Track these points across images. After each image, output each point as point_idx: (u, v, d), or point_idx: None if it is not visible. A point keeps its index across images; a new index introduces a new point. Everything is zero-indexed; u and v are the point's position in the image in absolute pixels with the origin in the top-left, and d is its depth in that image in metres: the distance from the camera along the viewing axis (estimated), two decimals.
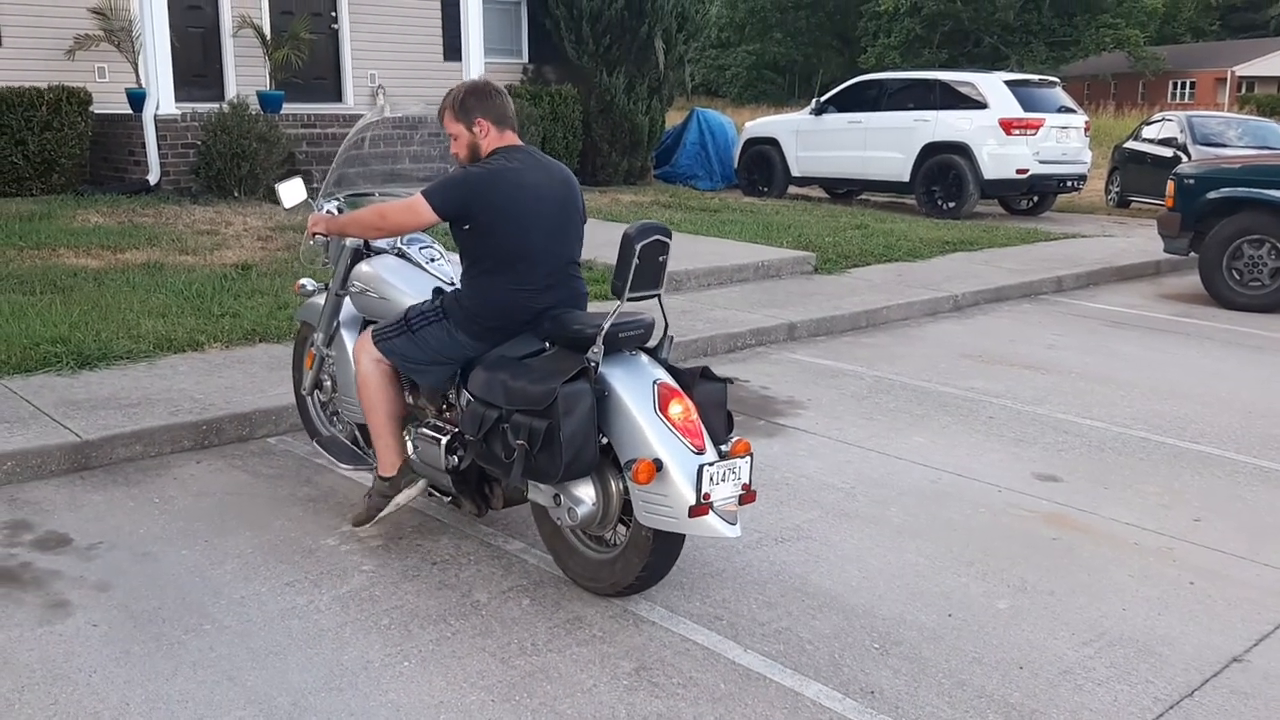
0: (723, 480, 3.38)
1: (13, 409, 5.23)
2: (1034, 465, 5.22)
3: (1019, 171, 14.20)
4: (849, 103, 15.92)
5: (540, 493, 3.72)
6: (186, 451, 5.17)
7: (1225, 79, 56.94)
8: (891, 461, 5.21)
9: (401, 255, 4.46)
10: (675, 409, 3.45)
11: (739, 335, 7.35)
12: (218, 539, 4.22)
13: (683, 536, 3.62)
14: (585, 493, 3.63)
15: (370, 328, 4.10)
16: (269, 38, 13.54)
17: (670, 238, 3.61)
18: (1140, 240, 12.51)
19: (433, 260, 4.43)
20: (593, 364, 3.52)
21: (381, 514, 4.16)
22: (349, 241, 4.50)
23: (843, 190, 16.99)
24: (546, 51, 16.53)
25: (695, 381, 3.65)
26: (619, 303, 3.55)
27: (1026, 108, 14.28)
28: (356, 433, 4.56)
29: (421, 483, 4.11)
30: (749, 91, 61.36)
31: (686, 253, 8.60)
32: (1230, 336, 8.13)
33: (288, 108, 13.10)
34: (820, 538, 4.33)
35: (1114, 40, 51.96)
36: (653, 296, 3.64)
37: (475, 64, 14.11)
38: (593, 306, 4.04)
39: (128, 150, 11.98)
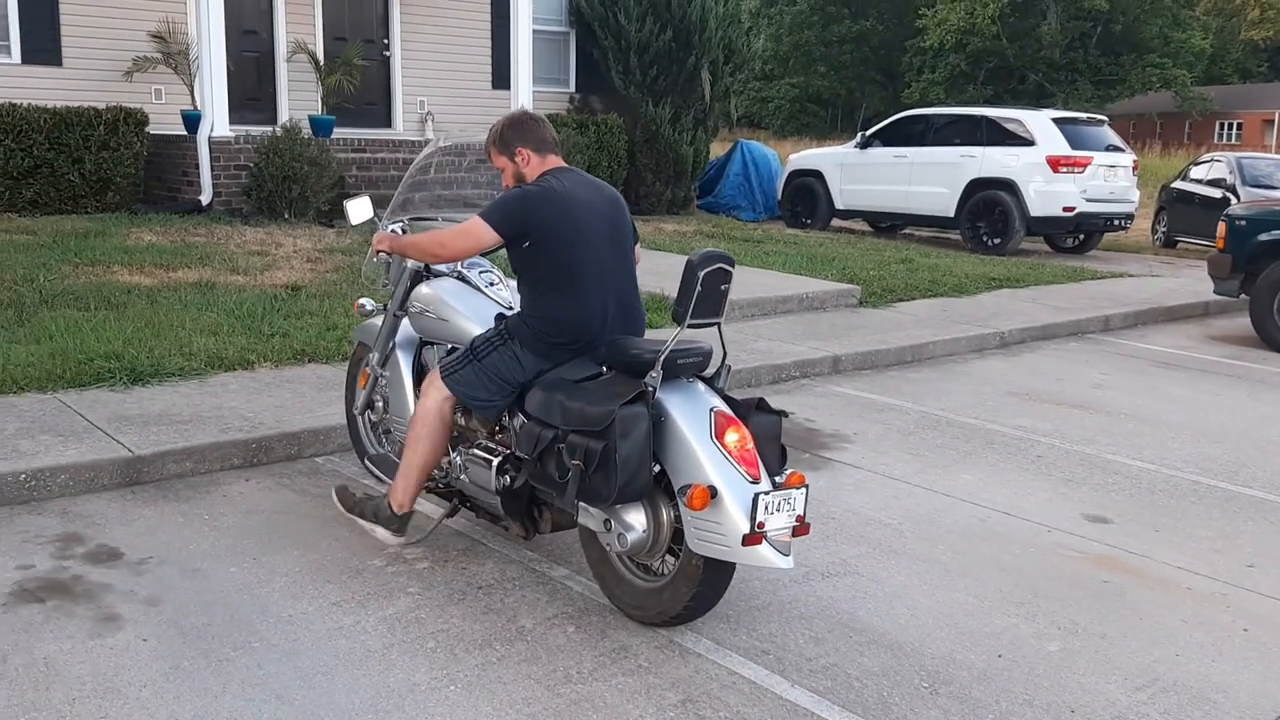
0: (777, 510, 3.37)
1: (67, 423, 5.30)
2: (1083, 506, 5.16)
3: (1065, 209, 14.12)
4: (894, 137, 15.92)
5: (590, 517, 3.72)
6: (236, 469, 5.21)
7: (1273, 120, 56.40)
8: (939, 498, 5.17)
9: (461, 278, 4.51)
10: (731, 437, 3.45)
11: (783, 367, 7.34)
12: (266, 557, 4.25)
13: (733, 567, 3.61)
14: (636, 518, 3.63)
15: (439, 364, 4.11)
16: (322, 63, 13.72)
17: (733, 266, 3.63)
18: (1188, 280, 12.38)
19: (491, 285, 4.47)
20: (650, 388, 3.53)
21: (355, 520, 4.35)
22: (409, 263, 4.57)
23: (886, 224, 16.97)
24: (593, 81, 16.65)
25: (751, 412, 3.65)
26: (679, 329, 3.57)
27: (1074, 145, 14.21)
28: None
29: (402, 539, 4.25)
30: (791, 124, 61.48)
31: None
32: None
33: (338, 132, 13.28)
34: (868, 573, 4.30)
35: (1161, 80, 51.70)
36: (713, 324, 3.66)
37: (524, 92, 14.24)
38: (649, 333, 4.06)
39: (181, 171, 12.17)
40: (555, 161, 3.99)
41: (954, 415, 6.63)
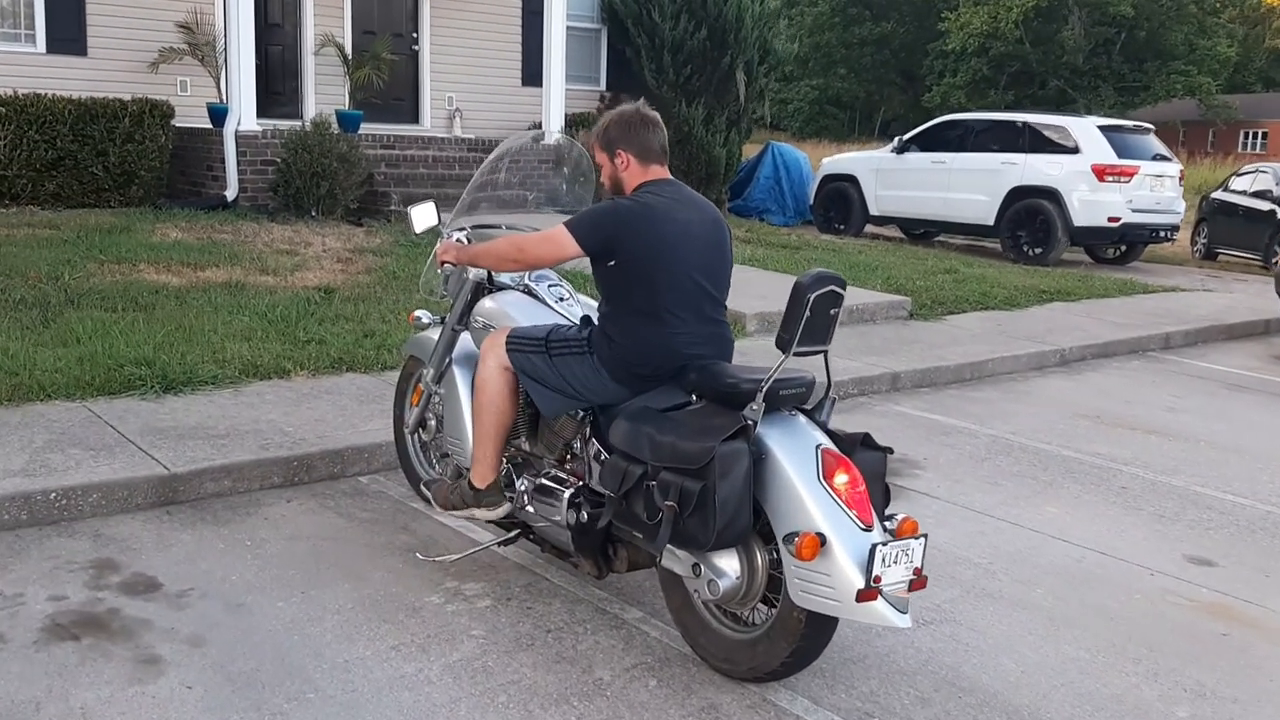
0: (894, 562, 3.04)
1: (98, 435, 4.99)
2: (1182, 546, 4.81)
3: (1111, 220, 13.74)
4: (932, 142, 15.55)
5: (677, 560, 3.39)
6: (276, 488, 4.90)
7: None
8: (1027, 535, 4.83)
9: (528, 292, 4.18)
10: (841, 479, 3.12)
11: (840, 384, 6.99)
12: (314, 591, 3.93)
13: (836, 621, 3.27)
14: (729, 564, 3.29)
15: (509, 330, 3.82)
16: (350, 57, 13.41)
17: (845, 288, 3.30)
18: (1243, 296, 12.01)
19: (561, 300, 4.15)
20: (751, 423, 3.19)
21: (455, 513, 4.04)
22: (472, 274, 4.24)
23: (920, 231, 16.57)
24: (625, 80, 16.31)
25: (855, 449, 3.32)
26: (784, 356, 3.24)
27: (1120, 154, 13.84)
28: (466, 472, 4.24)
29: (505, 507, 3.89)
30: (810, 126, 61.08)
31: (774, 291, 8.25)
32: None
33: (365, 128, 12.95)
34: (965, 621, 3.96)
35: (1185, 88, 51.15)
36: (820, 352, 3.33)
37: (556, 90, 13.92)
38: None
39: (206, 165, 11.87)
40: (659, 173, 3.66)
41: (1026, 440, 6.28)
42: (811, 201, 16.94)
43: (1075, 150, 13.96)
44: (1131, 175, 13.79)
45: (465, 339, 4.33)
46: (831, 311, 3.27)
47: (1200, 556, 4.70)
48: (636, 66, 15.79)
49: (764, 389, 3.21)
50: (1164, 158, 14.57)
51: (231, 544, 4.30)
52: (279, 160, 11.38)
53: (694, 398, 3.48)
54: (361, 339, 6.84)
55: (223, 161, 11.51)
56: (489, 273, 4.24)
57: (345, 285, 8.33)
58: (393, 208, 11.66)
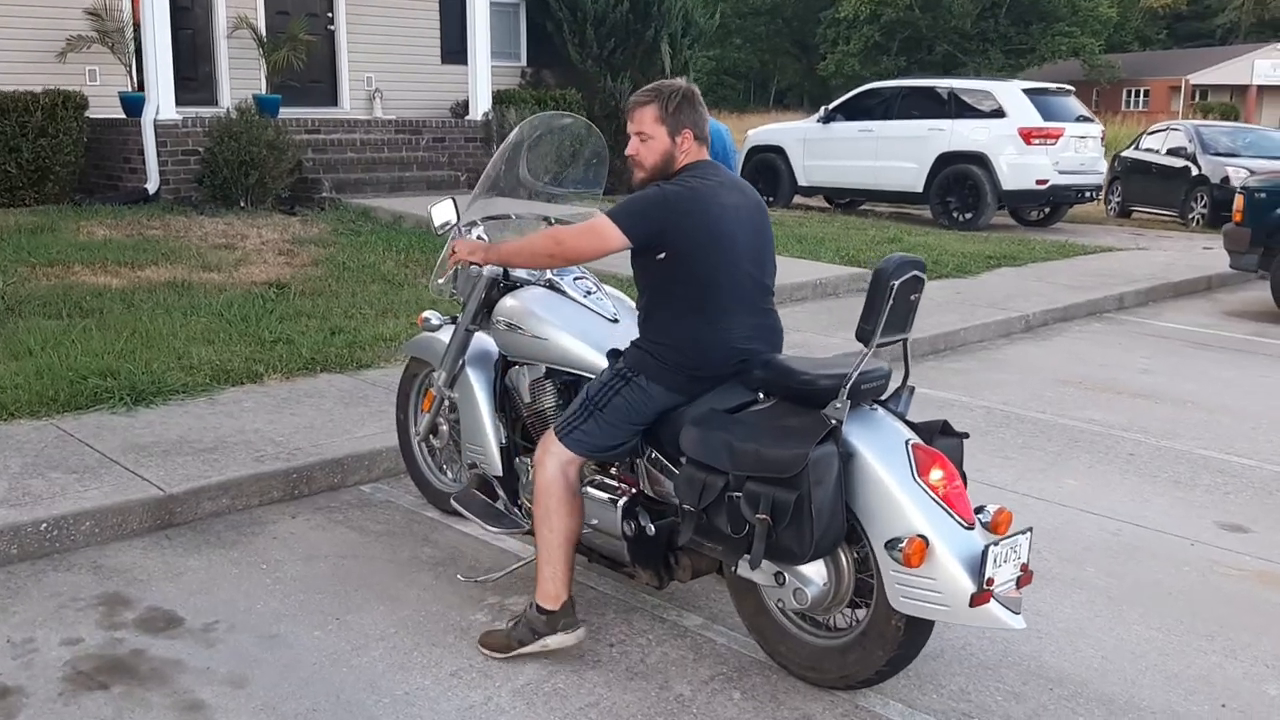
0: (1005, 561, 2.89)
1: (76, 456, 4.63)
2: (1209, 512, 4.80)
3: (1039, 182, 13.86)
4: (857, 111, 15.53)
5: (759, 570, 3.19)
6: (276, 503, 4.60)
7: (1179, 87, 57.53)
8: (1057, 510, 4.76)
9: (551, 286, 3.91)
10: (936, 475, 2.96)
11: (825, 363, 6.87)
12: (350, 616, 3.67)
13: (932, 624, 3.12)
14: (816, 571, 3.12)
15: (550, 428, 3.47)
16: (265, 39, 12.86)
17: (925, 271, 3.12)
18: (1177, 254, 12.24)
19: (589, 294, 3.89)
20: (837, 422, 2.99)
21: (523, 651, 3.37)
22: (486, 270, 3.96)
23: (845, 200, 16.58)
24: (546, 55, 16.00)
25: (935, 438, 3.17)
26: (867, 350, 3.03)
27: (1046, 117, 13.96)
28: (494, 484, 3.99)
29: (581, 630, 3.39)
30: (709, 97, 60.17)
31: None
32: None
33: (285, 112, 12.46)
34: (1029, 605, 3.83)
35: (1070, 48, 52.33)
36: (900, 341, 3.16)
37: (482, 68, 13.56)
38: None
39: (123, 158, 11.28)
40: (703, 153, 3.40)
41: (1019, 410, 6.24)
42: (739, 174, 16.80)
43: (1001, 114, 14.05)
44: (1057, 137, 13.93)
45: (479, 339, 4.07)
46: (913, 297, 3.09)
47: (1231, 523, 4.68)
48: (559, 41, 15.48)
49: (849, 385, 3.01)
50: (1086, 119, 14.77)
51: (245, 568, 4.00)
52: (202, 150, 10.88)
53: (760, 395, 3.26)
54: (329, 337, 6.52)
55: (141, 153, 10.94)
56: (504, 268, 3.97)
57: (296, 280, 7.96)
58: (324, 195, 11.24)
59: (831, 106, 15.92)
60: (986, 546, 2.84)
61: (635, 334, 3.47)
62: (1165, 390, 6.80)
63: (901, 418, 3.20)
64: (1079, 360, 7.53)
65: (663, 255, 3.25)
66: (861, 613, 3.18)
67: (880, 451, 3.02)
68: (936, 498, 2.94)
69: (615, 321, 3.77)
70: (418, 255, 8.95)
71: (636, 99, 3.41)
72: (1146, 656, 3.55)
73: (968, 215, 14.16)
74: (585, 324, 3.74)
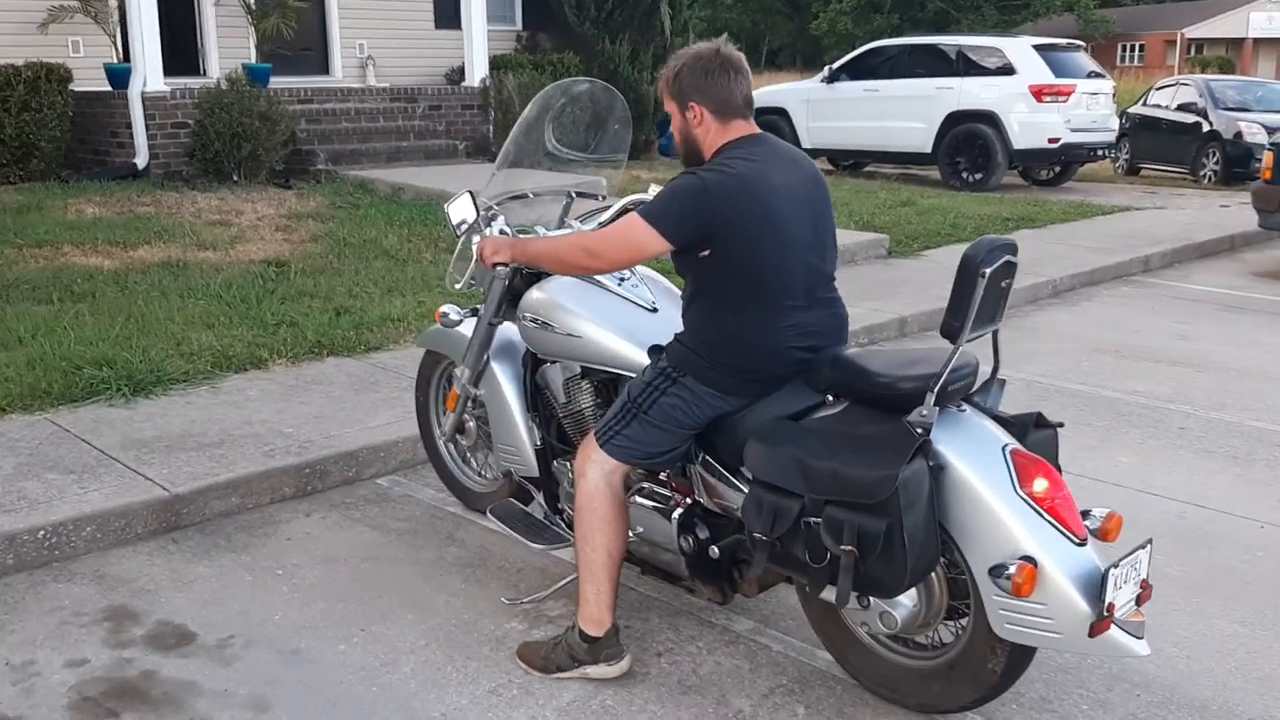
0: (1126, 582, 2.57)
1: (74, 454, 4.35)
2: (1273, 490, 4.54)
3: (1051, 141, 13.57)
4: (861, 71, 15.18)
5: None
6: (288, 500, 4.33)
7: (1175, 41, 57.05)
8: (1114, 491, 4.50)
9: None
10: (1040, 485, 2.61)
11: (851, 334, 6.58)
12: (376, 627, 3.40)
13: (1034, 650, 2.82)
14: (906, 594, 2.78)
15: (590, 433, 3.16)
16: (254, 6, 12.46)
17: (1017, 255, 2.80)
18: (1197, 212, 11.95)
19: (623, 280, 3.53)
20: (924, 432, 2.64)
21: (560, 676, 3.11)
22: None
23: (850, 161, 16.25)
24: (542, 18, 15.60)
25: (1029, 432, 2.87)
26: (955, 348, 2.68)
27: (1057, 73, 13.64)
28: (530, 487, 3.71)
29: (626, 660, 3.12)
30: None
31: None
32: None
33: (275, 82, 12.05)
34: None
35: (1064, 3, 51.70)
36: (990, 333, 2.85)
37: (478, 32, 13.19)
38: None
39: (110, 132, 10.92)
40: (744, 129, 2.98)
41: (1059, 382, 5.98)
42: None
43: (1011, 71, 13.72)
44: (1069, 94, 13.61)
45: (504, 330, 3.75)
46: (1004, 284, 2.73)
47: None
48: (555, 3, 15.08)
49: (936, 389, 2.65)
50: (1097, 75, 14.45)
51: (259, 574, 3.74)
52: (192, 122, 10.52)
53: (829, 397, 2.92)
54: (335, 318, 6.22)
55: (129, 127, 10.58)
56: None
57: (296, 257, 7.65)
58: (320, 167, 10.90)
59: (836, 66, 15.57)
60: (1107, 570, 2.50)
61: (678, 324, 3.14)
62: (1206, 358, 6.54)
63: (993, 415, 2.90)
64: (1112, 327, 7.26)
65: (707, 252, 2.88)
66: (959, 624, 2.89)
67: (976, 462, 2.67)
68: (1043, 511, 2.60)
69: (655, 311, 3.41)
70: (420, 229, 8.64)
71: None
72: (1234, 655, 3.30)
73: (977, 175, 13.86)
74: (622, 316, 3.38)
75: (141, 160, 10.60)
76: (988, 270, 2.62)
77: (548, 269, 3.33)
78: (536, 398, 3.64)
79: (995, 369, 2.95)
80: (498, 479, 4.04)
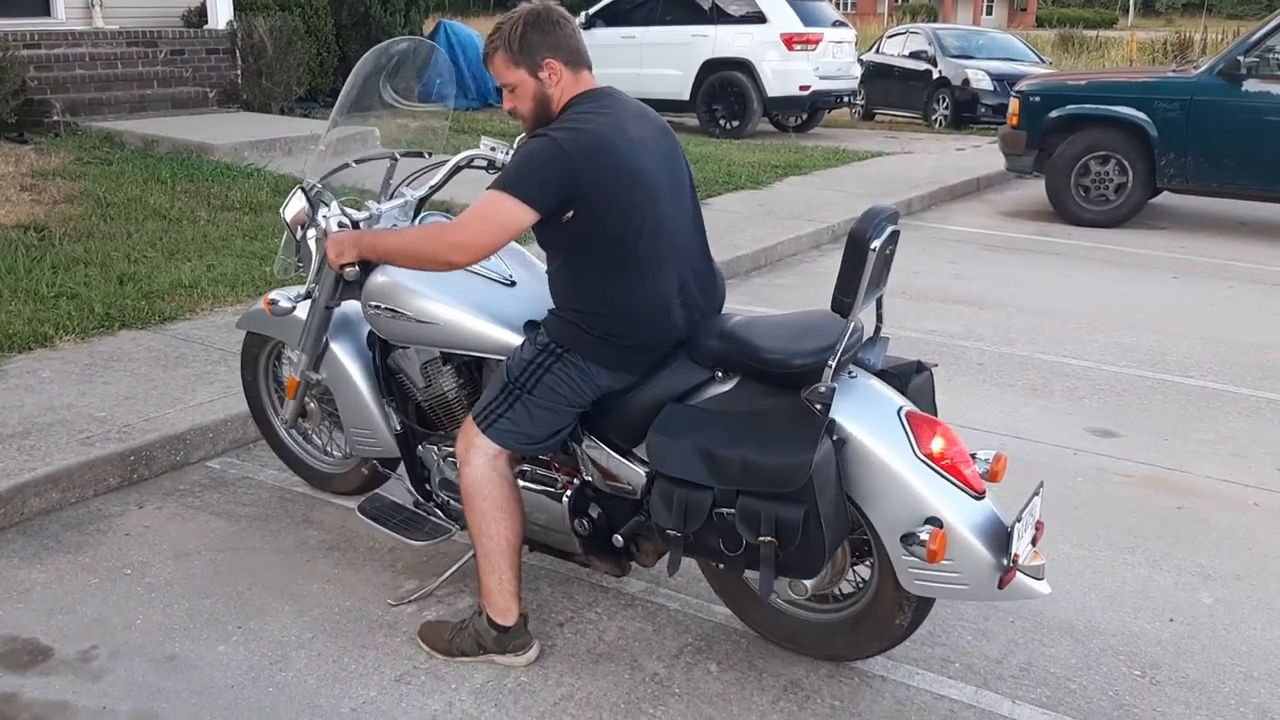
0: (1026, 531, 2.70)
1: None
2: (1075, 419, 4.94)
3: (802, 88, 14.01)
4: (617, 17, 15.19)
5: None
6: (114, 491, 4.00)
7: None
8: None
9: None
10: (937, 444, 2.68)
11: None
12: (253, 623, 3.21)
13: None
14: None
15: (470, 414, 3.00)
16: None
17: (898, 221, 2.83)
18: (940, 156, 12.68)
19: None
20: (825, 409, 2.64)
21: (464, 660, 3.04)
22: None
23: None
24: None
25: (910, 380, 2.99)
26: (848, 323, 2.68)
27: (805, 22, 14.09)
28: (387, 470, 3.54)
29: (535, 649, 3.05)
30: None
31: None
32: (1104, 255, 8.23)
33: (2, 25, 10.89)
34: None
35: None
36: (877, 298, 2.91)
37: None
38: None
39: None
40: (590, 81, 2.89)
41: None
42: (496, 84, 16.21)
43: (763, 20, 14.06)
44: (817, 43, 14.09)
45: (342, 309, 3.52)
46: (889, 251, 2.76)
47: (1098, 428, 4.84)
48: None
49: (834, 364, 2.64)
50: (841, 24, 15.03)
51: (105, 576, 3.44)
52: None
53: (718, 373, 2.89)
54: (119, 287, 5.75)
55: None
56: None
57: (54, 220, 6.99)
58: (56, 119, 9.97)
59: (592, 11, 15.50)
60: (1012, 525, 2.62)
61: (541, 295, 3.05)
62: (984, 295, 7.00)
63: (876, 372, 2.97)
64: (894, 269, 7.64)
65: (570, 214, 2.75)
66: (858, 577, 3.00)
67: (875, 429, 2.71)
68: (943, 471, 2.68)
69: (513, 285, 3.24)
70: (186, 184, 8.08)
71: (484, 49, 2.92)
72: (1084, 576, 3.59)
73: (734, 123, 14.18)
74: (478, 294, 3.16)
75: None
76: (876, 242, 2.63)
77: (402, 265, 3.03)
78: (389, 381, 3.43)
79: (878, 328, 3.01)
80: (349, 456, 3.86)
